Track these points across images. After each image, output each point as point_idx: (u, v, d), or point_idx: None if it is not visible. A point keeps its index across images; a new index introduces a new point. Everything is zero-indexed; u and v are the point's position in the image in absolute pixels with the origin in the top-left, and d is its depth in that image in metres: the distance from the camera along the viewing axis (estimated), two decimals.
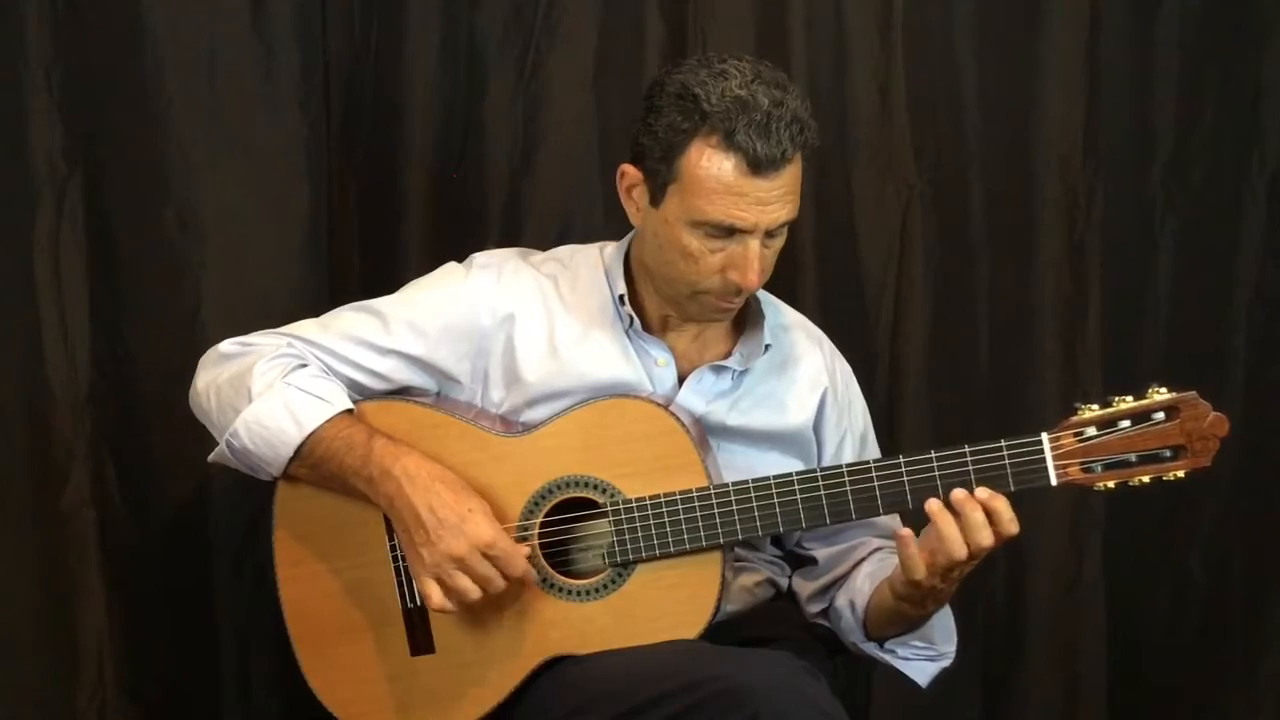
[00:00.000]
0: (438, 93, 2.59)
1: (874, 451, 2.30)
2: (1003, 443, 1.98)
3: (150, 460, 2.51)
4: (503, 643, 2.09)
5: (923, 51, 2.70)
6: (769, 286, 2.15)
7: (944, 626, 2.18)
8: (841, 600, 2.20)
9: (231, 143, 2.50)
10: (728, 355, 2.18)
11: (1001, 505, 1.96)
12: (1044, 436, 1.97)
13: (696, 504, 2.04)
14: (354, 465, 2.07)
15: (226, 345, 2.18)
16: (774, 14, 2.64)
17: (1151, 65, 2.80)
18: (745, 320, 2.20)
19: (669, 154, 2.03)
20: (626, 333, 2.16)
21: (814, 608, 2.25)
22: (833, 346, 2.31)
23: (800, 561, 2.27)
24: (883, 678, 2.69)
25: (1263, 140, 2.81)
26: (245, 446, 2.11)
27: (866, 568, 2.19)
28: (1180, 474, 1.97)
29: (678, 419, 2.07)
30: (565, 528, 2.09)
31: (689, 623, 2.04)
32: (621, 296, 2.14)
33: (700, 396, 2.16)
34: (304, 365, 2.14)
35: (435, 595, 2.04)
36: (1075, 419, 1.98)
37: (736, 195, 2.01)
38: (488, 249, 2.27)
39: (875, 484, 2.01)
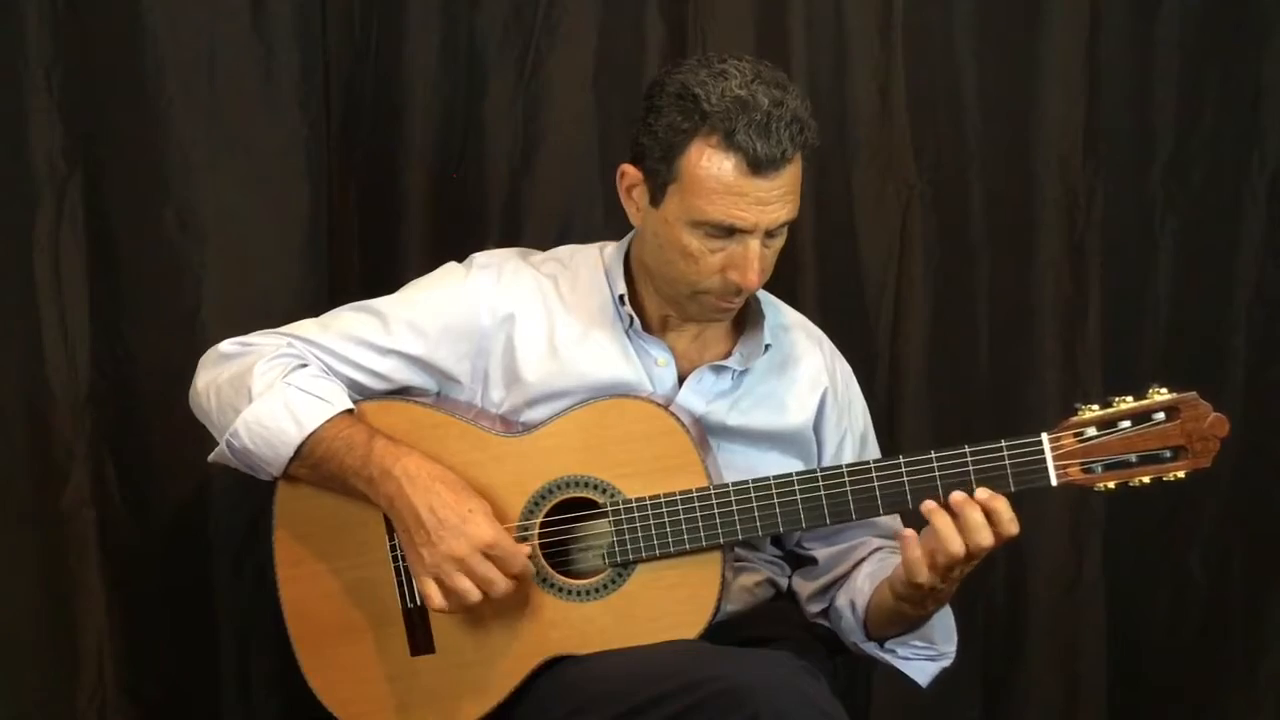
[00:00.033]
0: (438, 93, 2.59)
1: (874, 451, 2.30)
2: (1003, 443, 1.98)
3: (150, 460, 2.51)
4: (503, 643, 2.09)
5: (923, 51, 2.70)
6: (769, 286, 2.15)
7: (944, 626, 2.18)
8: (842, 600, 2.20)
9: (231, 143, 2.50)
10: (728, 355, 2.18)
11: (1001, 505, 1.96)
12: (1044, 437, 1.97)
13: (696, 504, 2.04)
14: (354, 465, 2.07)
15: (226, 345, 2.18)
16: (774, 14, 2.64)
17: (1151, 65, 2.80)
18: (745, 320, 2.20)
19: (669, 154, 2.03)
20: (626, 333, 2.16)
21: (814, 608, 2.25)
22: (833, 346, 2.31)
23: (800, 561, 2.27)
24: (883, 678, 2.69)
25: (1263, 140, 2.80)
26: (245, 446, 2.11)
27: (867, 568, 2.19)
28: (1180, 474, 1.97)
29: (678, 419, 2.07)
30: (565, 528, 2.09)
31: (689, 623, 2.04)
32: (621, 296, 2.14)
33: (700, 396, 2.16)
34: (304, 365, 2.14)
35: (435, 596, 2.04)
36: (1075, 419, 1.98)
37: (736, 195, 2.01)
38: (488, 249, 2.27)
39: (875, 484, 2.01)
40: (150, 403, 2.49)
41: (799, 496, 2.03)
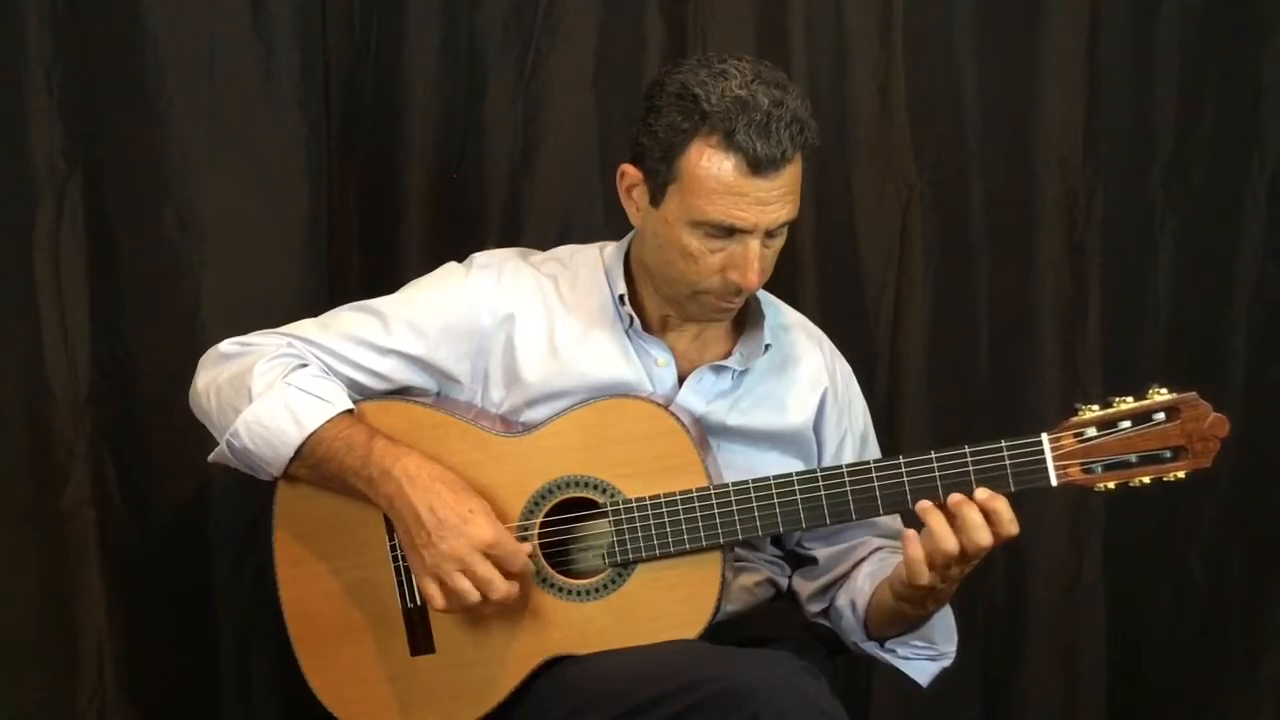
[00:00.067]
0: (438, 93, 2.59)
1: (874, 451, 2.30)
2: (1003, 443, 1.98)
3: (150, 460, 2.51)
4: (503, 643, 2.09)
5: (923, 51, 2.70)
6: (769, 286, 2.15)
7: (944, 626, 2.18)
8: (842, 600, 2.20)
9: (231, 143, 2.50)
10: (728, 355, 2.18)
11: (1001, 506, 1.96)
12: (1044, 437, 1.97)
13: (696, 504, 2.04)
14: (354, 465, 2.07)
15: (226, 345, 2.18)
16: (774, 14, 2.64)
17: (1151, 65, 2.80)
18: (745, 320, 2.20)
19: (669, 154, 2.03)
20: (626, 333, 2.16)
21: (814, 607, 2.25)
22: (833, 346, 2.31)
23: (800, 561, 2.27)
24: (883, 678, 2.69)
25: (1263, 140, 2.80)
26: (245, 446, 2.11)
27: (867, 567, 2.19)
28: (1180, 475, 1.96)
29: (678, 419, 2.07)
30: (565, 528, 2.09)
31: (689, 623, 2.04)
32: (621, 296, 2.14)
33: (700, 396, 2.16)
34: (304, 365, 2.14)
35: (437, 596, 2.04)
36: (1075, 419, 1.98)
37: (736, 195, 2.01)
38: (488, 249, 2.27)
39: (875, 484, 2.01)
40: (150, 403, 2.49)
41: (799, 496, 2.03)
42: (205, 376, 2.17)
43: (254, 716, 2.55)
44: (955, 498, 1.96)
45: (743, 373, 2.18)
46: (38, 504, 2.47)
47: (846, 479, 2.02)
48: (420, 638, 2.12)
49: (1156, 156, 2.82)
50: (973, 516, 1.95)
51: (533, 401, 2.13)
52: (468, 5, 2.59)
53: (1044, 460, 1.97)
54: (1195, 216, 2.83)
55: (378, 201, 2.61)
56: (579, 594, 2.08)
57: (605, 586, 2.07)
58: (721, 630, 2.06)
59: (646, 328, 2.16)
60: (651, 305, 2.17)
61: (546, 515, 2.08)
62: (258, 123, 2.50)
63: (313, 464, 2.10)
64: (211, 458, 2.18)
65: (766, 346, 2.19)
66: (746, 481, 2.04)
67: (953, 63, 2.73)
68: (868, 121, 2.69)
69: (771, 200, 2.02)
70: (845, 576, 2.21)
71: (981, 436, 1.99)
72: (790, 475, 2.03)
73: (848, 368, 2.31)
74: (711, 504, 2.04)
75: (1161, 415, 1.96)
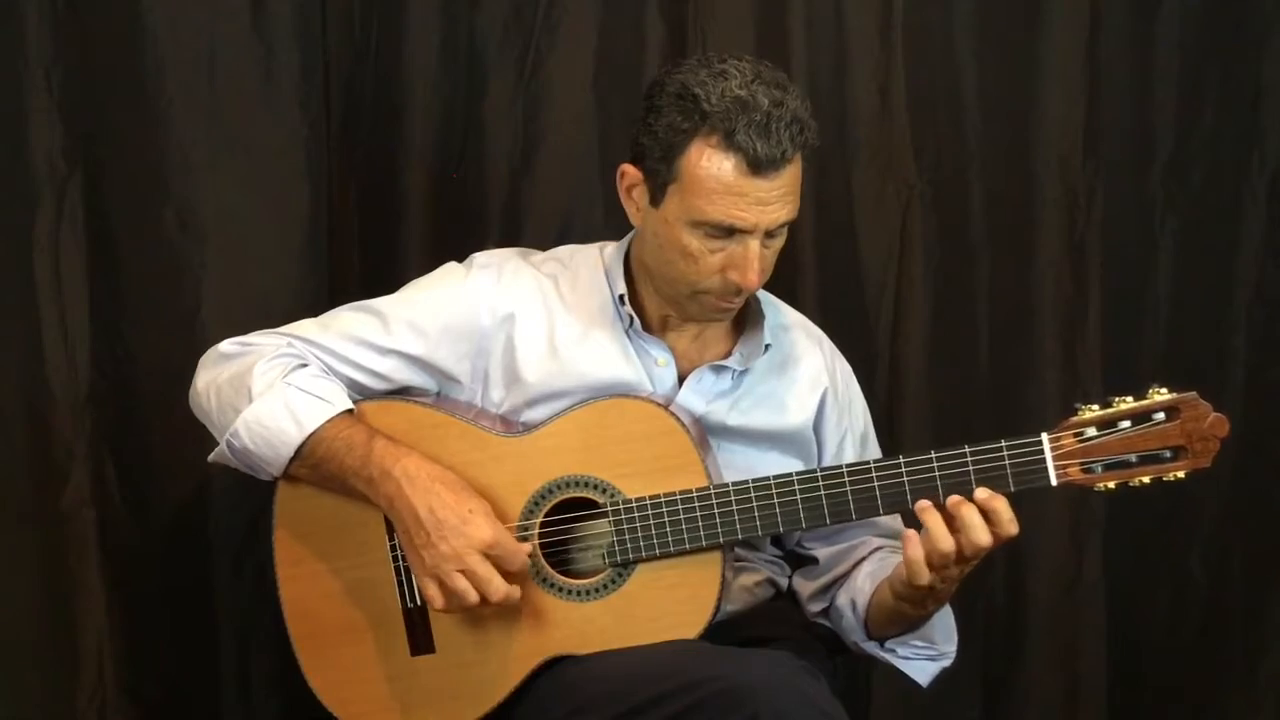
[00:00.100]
0: (438, 93, 2.59)
1: (874, 451, 2.30)
2: (1003, 443, 1.98)
3: (150, 460, 2.51)
4: (503, 643, 2.08)
5: (923, 51, 2.70)
6: (769, 286, 2.15)
7: (944, 626, 2.18)
8: (842, 599, 2.20)
9: (231, 143, 2.50)
10: (728, 355, 2.18)
11: (1000, 506, 1.96)
12: (1044, 437, 1.97)
13: (696, 504, 2.04)
14: (354, 466, 2.07)
15: (226, 345, 2.18)
16: (774, 14, 2.64)
17: (1151, 65, 2.80)
18: (745, 320, 2.20)
19: (669, 154, 2.03)
20: (626, 333, 2.16)
21: (815, 607, 2.25)
22: (833, 346, 2.31)
23: (801, 561, 2.28)
24: (883, 677, 2.69)
25: (1263, 140, 2.80)
26: (245, 446, 2.11)
27: (867, 567, 2.19)
28: (1180, 475, 1.97)
29: (678, 419, 2.07)
30: (565, 528, 2.09)
31: (689, 623, 2.04)
32: (621, 296, 2.14)
33: (700, 396, 2.16)
34: (304, 365, 2.14)
35: (437, 596, 2.04)
36: (1075, 419, 1.98)
37: (736, 195, 2.01)
38: (488, 249, 2.27)
39: (875, 484, 2.01)
40: (150, 403, 2.49)
41: (799, 496, 2.03)
42: (205, 376, 2.17)
43: (254, 716, 2.55)
44: (954, 498, 1.96)
45: (743, 373, 2.18)
46: (38, 504, 2.47)
47: (846, 479, 2.02)
48: (420, 638, 2.12)
49: (1156, 156, 2.82)
50: (971, 517, 1.95)
51: (533, 401, 2.13)
52: (468, 5, 2.59)
53: (1044, 460, 1.97)
54: (1195, 216, 2.83)
55: (378, 201, 2.61)
56: (579, 594, 2.08)
57: (605, 586, 2.07)
58: (721, 630, 2.06)
59: (646, 328, 2.16)
60: (651, 305, 2.17)
61: (546, 515, 2.08)
62: (258, 123, 2.50)
63: (313, 464, 2.10)
64: (211, 458, 2.18)
65: (766, 346, 2.19)
66: (746, 481, 2.04)
67: (953, 63, 2.73)
68: (868, 121, 2.69)
69: (771, 200, 2.02)
70: (845, 576, 2.21)
71: (981, 436, 1.99)
72: (790, 475, 2.03)
73: (848, 367, 2.31)
74: (711, 504, 2.04)
75: (1161, 415, 1.96)
